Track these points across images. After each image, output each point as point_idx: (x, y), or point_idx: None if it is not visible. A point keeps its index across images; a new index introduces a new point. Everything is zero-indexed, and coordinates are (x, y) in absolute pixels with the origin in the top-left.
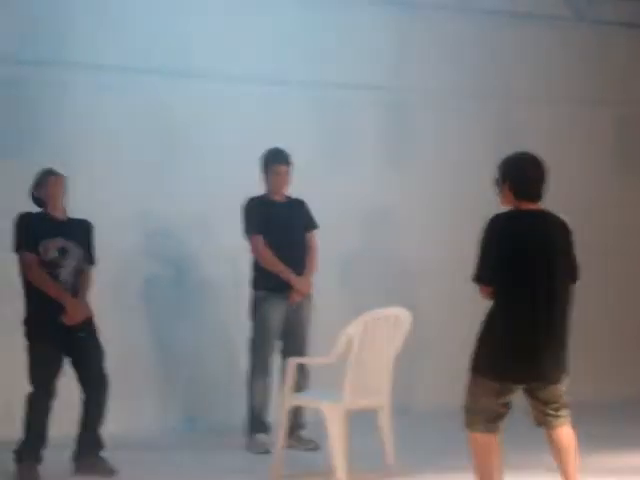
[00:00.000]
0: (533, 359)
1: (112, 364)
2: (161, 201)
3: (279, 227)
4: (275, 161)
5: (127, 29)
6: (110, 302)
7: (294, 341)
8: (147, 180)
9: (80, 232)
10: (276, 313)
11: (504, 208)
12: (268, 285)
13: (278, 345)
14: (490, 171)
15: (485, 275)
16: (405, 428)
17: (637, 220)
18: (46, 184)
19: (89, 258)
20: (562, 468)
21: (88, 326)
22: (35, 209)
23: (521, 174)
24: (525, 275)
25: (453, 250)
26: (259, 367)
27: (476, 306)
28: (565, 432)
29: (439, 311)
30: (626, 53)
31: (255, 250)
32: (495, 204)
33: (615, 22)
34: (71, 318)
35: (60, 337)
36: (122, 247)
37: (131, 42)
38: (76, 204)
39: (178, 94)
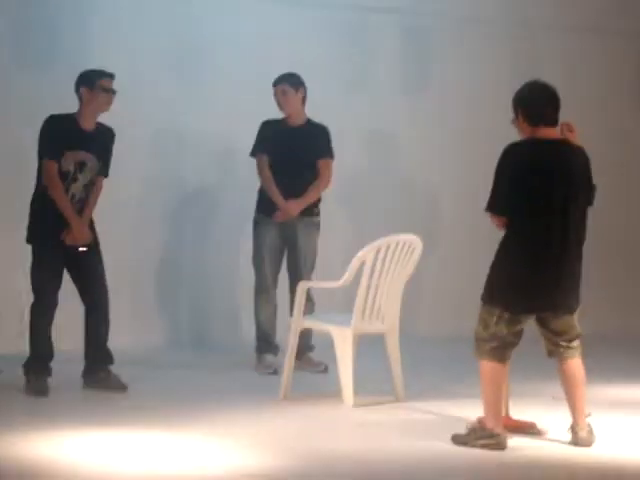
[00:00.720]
0: (546, 289)
1: (122, 279)
2: (179, 121)
3: (287, 151)
4: (274, 83)
5: None
6: (123, 218)
7: (294, 266)
8: (166, 99)
9: (103, 144)
10: (268, 234)
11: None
12: (263, 207)
13: (285, 267)
14: (506, 98)
15: (499, 205)
16: (412, 353)
17: None
18: (100, 86)
19: (104, 169)
20: (570, 399)
21: (92, 243)
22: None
23: (532, 99)
24: (541, 205)
25: (466, 177)
26: (259, 285)
27: (487, 235)
28: (575, 363)
29: (448, 237)
30: None
31: (257, 170)
32: (510, 131)
33: None
34: (73, 240)
35: (62, 249)
36: (140, 166)
37: None
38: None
39: (198, 18)
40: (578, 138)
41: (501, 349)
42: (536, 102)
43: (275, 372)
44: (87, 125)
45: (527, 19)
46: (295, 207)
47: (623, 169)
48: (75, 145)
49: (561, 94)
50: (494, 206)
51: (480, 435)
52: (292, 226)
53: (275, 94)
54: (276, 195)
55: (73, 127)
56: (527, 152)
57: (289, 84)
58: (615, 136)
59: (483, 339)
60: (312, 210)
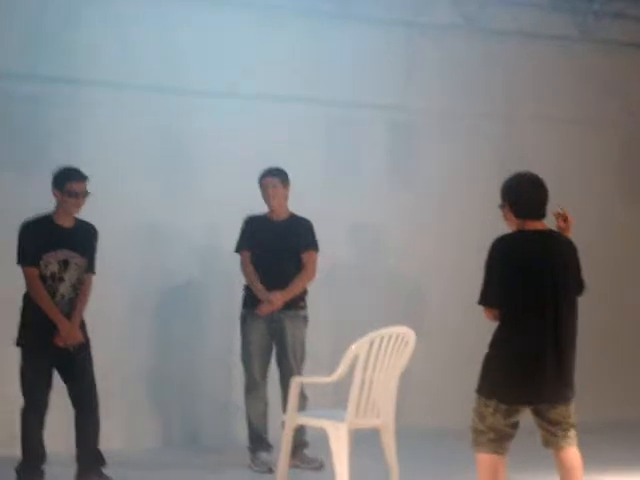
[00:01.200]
0: (541, 380)
1: (114, 382)
2: (170, 215)
3: (269, 245)
4: (263, 176)
5: (136, 47)
6: (113, 319)
7: (284, 360)
8: (154, 194)
9: (85, 240)
10: (254, 330)
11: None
12: (249, 302)
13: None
14: (496, 191)
15: (491, 297)
16: (406, 447)
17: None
18: (68, 190)
19: (90, 267)
20: None
21: (82, 343)
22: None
23: (520, 193)
24: (532, 295)
25: (456, 272)
26: (249, 382)
27: (476, 326)
28: (572, 453)
29: (441, 330)
30: (634, 74)
31: (241, 265)
32: (501, 224)
33: (623, 42)
34: (63, 341)
35: (51, 350)
36: (129, 263)
37: (140, 60)
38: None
39: (187, 111)
40: (571, 227)
41: (498, 441)
42: (524, 196)
43: (270, 470)
44: (65, 223)
45: (511, 113)
46: (279, 298)
47: (612, 259)
48: (55, 244)
49: (548, 185)
50: (486, 299)
51: None
52: (279, 320)
53: (264, 187)
54: (259, 289)
55: (50, 227)
56: (514, 246)
57: (279, 179)
58: (602, 225)
59: (480, 431)
60: (298, 303)
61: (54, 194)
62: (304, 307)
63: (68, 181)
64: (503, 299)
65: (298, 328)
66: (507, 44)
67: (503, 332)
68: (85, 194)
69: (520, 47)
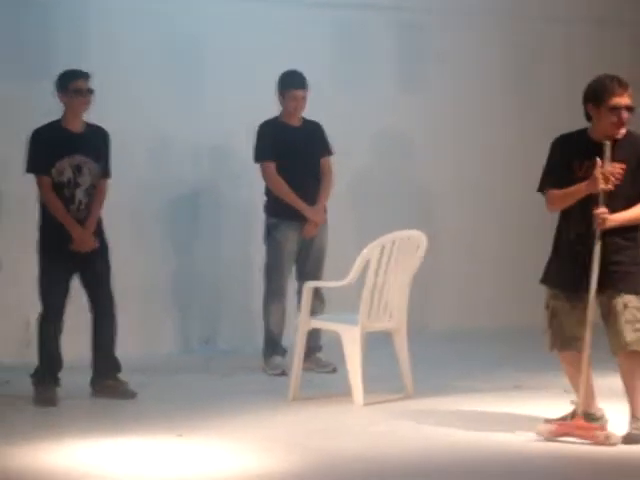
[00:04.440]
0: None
1: (131, 286)
2: (178, 124)
3: (293, 153)
4: (292, 85)
5: None
6: (128, 223)
7: (309, 265)
8: (165, 103)
9: (97, 144)
10: (289, 239)
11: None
12: (280, 212)
13: (294, 269)
14: (507, 93)
15: None
16: (421, 349)
17: None
18: (72, 89)
19: (105, 171)
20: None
21: (99, 249)
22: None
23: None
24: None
25: (468, 175)
26: (273, 291)
27: (492, 229)
28: (631, 357)
29: (454, 234)
30: None
31: (266, 177)
32: (511, 128)
33: None
34: (77, 247)
35: (69, 257)
36: (139, 170)
37: None
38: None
39: (195, 14)
40: None
41: (567, 339)
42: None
43: (284, 373)
44: (74, 127)
45: (519, 11)
46: (321, 214)
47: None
48: (67, 150)
49: (563, 85)
50: None
51: None
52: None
53: (293, 98)
54: (299, 203)
55: (60, 133)
56: None
57: (306, 91)
58: None
59: (548, 331)
60: (324, 209)
61: (60, 98)
62: (326, 212)
63: (71, 80)
64: None
65: (325, 235)
66: None
67: (560, 223)
68: (91, 91)
69: None
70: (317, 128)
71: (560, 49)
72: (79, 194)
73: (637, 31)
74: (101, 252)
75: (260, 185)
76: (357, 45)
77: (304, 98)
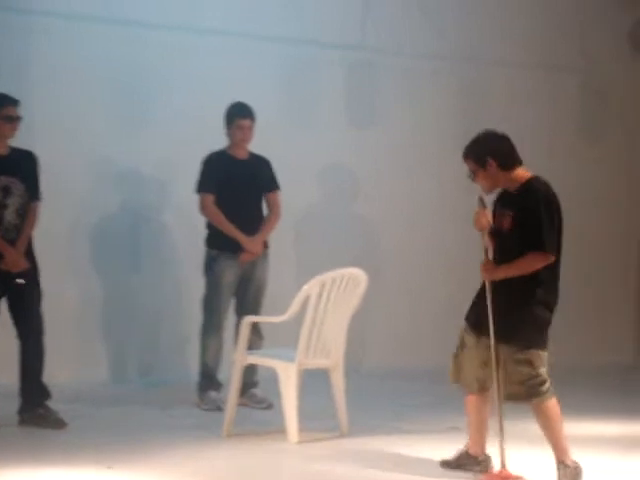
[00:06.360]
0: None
1: (66, 313)
2: (123, 149)
3: (236, 185)
4: (238, 115)
5: None
6: (65, 250)
7: (248, 299)
8: (109, 126)
9: (24, 166)
10: (228, 272)
11: (483, 186)
12: (220, 244)
13: (233, 303)
14: (454, 134)
15: (557, 248)
16: (357, 388)
17: (598, 187)
18: (2, 115)
19: (34, 193)
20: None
21: (28, 272)
22: None
23: (503, 144)
24: (560, 246)
25: (412, 212)
26: (211, 324)
27: (434, 268)
28: (534, 407)
29: (397, 272)
30: (591, 17)
31: (203, 209)
32: (458, 167)
33: None
34: (10, 267)
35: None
36: (79, 193)
37: None
38: (35, 148)
39: (146, 43)
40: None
41: (551, 387)
42: (508, 145)
43: (219, 408)
44: (0, 150)
45: (471, 55)
46: (259, 245)
47: (578, 198)
48: None
49: (506, 128)
50: (553, 247)
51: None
52: (254, 262)
53: (239, 127)
54: (237, 233)
55: None
56: (551, 189)
57: (253, 121)
58: (565, 165)
59: (540, 381)
60: (266, 243)
61: None
62: (268, 247)
63: (3, 106)
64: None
65: (264, 269)
66: None
67: (542, 282)
68: (20, 118)
69: None
70: (264, 163)
71: (509, 93)
72: (8, 215)
73: (587, 78)
74: (31, 274)
75: (202, 216)
76: (307, 81)
77: (250, 128)
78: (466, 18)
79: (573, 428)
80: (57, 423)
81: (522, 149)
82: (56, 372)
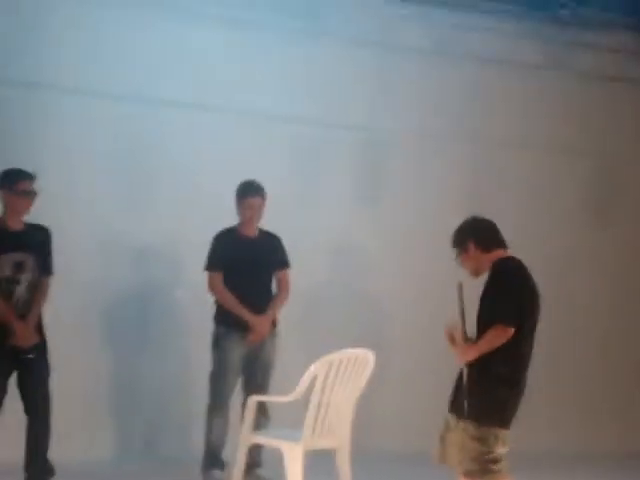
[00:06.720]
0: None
1: (72, 391)
2: (128, 228)
3: (244, 264)
4: (247, 194)
5: (98, 53)
6: (74, 326)
7: (255, 378)
8: (116, 206)
9: (38, 242)
10: (235, 350)
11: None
12: (228, 321)
13: (240, 381)
14: (461, 214)
15: (515, 320)
16: (363, 470)
17: (607, 273)
18: (19, 189)
19: (46, 267)
20: None
21: (38, 347)
22: None
23: (484, 226)
24: (528, 323)
25: (422, 292)
26: (217, 402)
27: (442, 349)
28: None
29: (404, 351)
30: (603, 104)
31: (211, 287)
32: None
33: (595, 74)
34: (20, 342)
35: (9, 355)
36: (89, 270)
37: (107, 67)
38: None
39: (157, 120)
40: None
41: (504, 466)
42: (490, 228)
43: None
44: (14, 225)
45: (479, 136)
46: (266, 324)
47: (582, 285)
48: (7, 248)
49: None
50: (513, 320)
51: None
52: (262, 341)
53: (249, 206)
54: (244, 312)
55: (1, 231)
56: (524, 270)
57: (263, 199)
58: (571, 251)
59: (492, 460)
60: (274, 322)
61: (1, 195)
62: (277, 325)
63: (18, 180)
64: (518, 323)
65: (272, 348)
66: (482, 69)
67: (504, 358)
68: (35, 194)
69: (495, 73)
70: (275, 240)
71: (521, 176)
72: (18, 291)
73: (604, 162)
74: (40, 351)
75: (210, 294)
76: (315, 160)
77: (260, 207)
78: (472, 99)
79: None
80: None
81: (527, 229)
82: (62, 449)
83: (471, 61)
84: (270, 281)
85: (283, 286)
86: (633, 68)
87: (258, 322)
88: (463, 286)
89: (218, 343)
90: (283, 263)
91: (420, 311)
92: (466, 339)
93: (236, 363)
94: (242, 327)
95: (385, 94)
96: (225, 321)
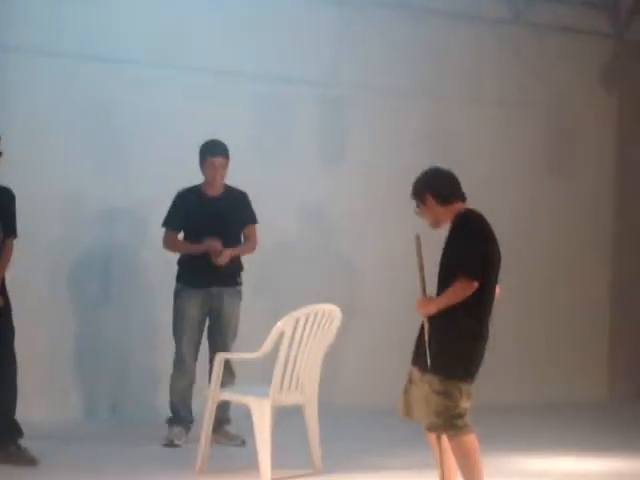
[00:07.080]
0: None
1: (38, 350)
2: (95, 188)
3: (209, 223)
4: (210, 153)
5: (63, 14)
6: (37, 287)
7: (219, 336)
8: (82, 166)
9: (1, 202)
10: (192, 304)
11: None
12: (185, 278)
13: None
14: (425, 165)
15: (479, 273)
16: (330, 424)
17: (566, 219)
18: None
19: (10, 229)
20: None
21: (1, 309)
22: None
23: (443, 179)
24: (491, 276)
25: (387, 248)
26: (178, 359)
27: (408, 304)
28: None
29: (370, 308)
30: (560, 57)
31: (164, 243)
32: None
33: (552, 25)
34: None
35: None
36: (52, 231)
37: (73, 28)
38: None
39: (121, 80)
40: None
41: (469, 421)
42: (449, 181)
43: (172, 444)
44: None
45: (439, 91)
46: (227, 252)
47: (542, 236)
48: None
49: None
50: (478, 274)
51: None
52: (217, 295)
53: (211, 165)
54: (200, 246)
55: None
56: (485, 222)
57: (227, 158)
58: (531, 203)
59: (457, 415)
60: (236, 279)
61: None
62: (241, 283)
63: None
64: (481, 276)
65: (235, 304)
66: (439, 24)
67: (467, 312)
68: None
69: (452, 27)
70: (241, 196)
71: (476, 129)
72: None
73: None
74: (3, 312)
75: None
76: (280, 117)
77: (222, 166)
78: (436, 55)
79: (546, 464)
80: (29, 461)
81: (489, 182)
82: (28, 409)
83: (429, 15)
84: (238, 239)
85: (249, 239)
86: (589, 20)
87: (214, 242)
88: (421, 238)
89: (175, 300)
90: (250, 219)
91: (387, 268)
92: (424, 291)
93: (194, 317)
94: (199, 284)
95: (350, 50)
96: (182, 277)
